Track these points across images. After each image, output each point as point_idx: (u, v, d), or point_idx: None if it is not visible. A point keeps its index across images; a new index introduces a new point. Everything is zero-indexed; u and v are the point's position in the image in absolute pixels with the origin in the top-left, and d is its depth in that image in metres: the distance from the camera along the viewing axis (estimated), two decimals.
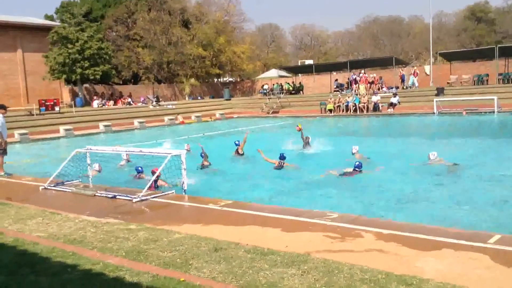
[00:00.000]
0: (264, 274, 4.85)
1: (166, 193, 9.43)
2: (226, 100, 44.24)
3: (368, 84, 36.86)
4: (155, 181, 10.00)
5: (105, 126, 29.98)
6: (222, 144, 18.64)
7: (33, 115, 30.40)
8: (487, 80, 34.20)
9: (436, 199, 9.27)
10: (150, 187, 9.50)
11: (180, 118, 34.90)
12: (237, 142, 15.26)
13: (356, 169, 11.49)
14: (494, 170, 11.79)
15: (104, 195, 9.45)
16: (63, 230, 7.01)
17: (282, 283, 4.59)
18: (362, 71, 39.14)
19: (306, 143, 15.50)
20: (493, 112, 26.75)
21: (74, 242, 6.34)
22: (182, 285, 4.61)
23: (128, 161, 14.26)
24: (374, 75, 38.13)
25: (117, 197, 9.21)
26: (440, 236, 5.90)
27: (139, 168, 12.09)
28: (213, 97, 47.02)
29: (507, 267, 4.83)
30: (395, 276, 4.62)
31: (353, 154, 13.71)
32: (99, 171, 12.75)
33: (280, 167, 12.48)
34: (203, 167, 13.09)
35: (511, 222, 7.53)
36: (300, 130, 15.89)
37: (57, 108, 31.69)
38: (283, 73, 51.51)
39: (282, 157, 12.60)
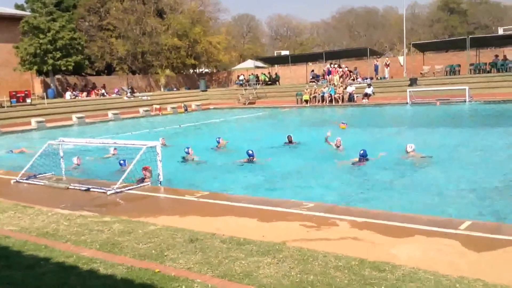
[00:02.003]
0: (240, 263, 4.87)
1: (142, 185, 9.36)
2: (202, 91, 43.94)
3: (338, 77, 36.88)
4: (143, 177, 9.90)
5: (78, 118, 29.47)
6: (200, 136, 18.57)
7: (3, 107, 29.63)
8: (459, 71, 34.81)
9: (409, 188, 9.44)
10: (136, 182, 9.42)
11: (156, 106, 34.77)
12: (218, 140, 15.20)
13: (362, 157, 11.67)
14: (465, 159, 12.07)
15: (78, 188, 9.32)
16: (36, 223, 6.89)
17: (257, 272, 4.62)
18: (329, 64, 39.15)
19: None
20: (465, 101, 27.30)
21: (46, 236, 6.24)
22: (157, 276, 4.59)
23: (114, 154, 14.04)
24: (344, 68, 38.00)
25: (91, 189, 9.10)
26: (413, 223, 6.02)
27: (121, 162, 11.88)
28: (189, 88, 46.62)
29: (477, 252, 4.97)
30: (369, 262, 4.70)
31: (337, 147, 13.72)
32: (78, 164, 12.57)
33: (250, 162, 12.51)
34: (185, 160, 12.97)
35: (481, 208, 7.73)
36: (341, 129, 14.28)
37: (28, 100, 30.96)
38: (259, 64, 51.38)
39: (249, 155, 12.58)
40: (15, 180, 10.40)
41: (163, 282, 4.44)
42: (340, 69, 37.58)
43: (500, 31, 39.00)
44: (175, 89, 45.52)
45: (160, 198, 8.59)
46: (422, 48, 39.85)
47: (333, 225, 6.16)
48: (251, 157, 12.51)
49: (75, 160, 12.65)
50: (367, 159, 11.69)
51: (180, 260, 5.07)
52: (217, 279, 4.50)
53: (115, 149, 13.91)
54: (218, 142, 15.17)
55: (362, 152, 11.74)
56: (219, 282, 4.41)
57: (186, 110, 35.85)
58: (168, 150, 14.09)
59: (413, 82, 32.22)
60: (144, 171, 9.87)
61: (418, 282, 4.22)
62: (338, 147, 13.66)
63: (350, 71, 38.13)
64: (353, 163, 11.67)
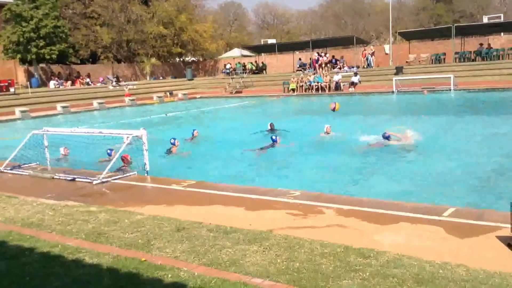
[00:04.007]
0: (226, 251, 4.89)
1: (128, 174, 9.31)
2: (189, 80, 43.68)
3: (318, 66, 36.78)
4: (121, 166, 9.84)
5: (63, 107, 29.12)
6: (185, 127, 18.47)
7: None
8: (444, 59, 35.07)
9: (394, 175, 9.53)
10: (115, 171, 9.36)
11: (126, 90, 35.03)
12: (192, 131, 15.06)
13: (386, 139, 12.20)
14: (450, 146, 12.20)
15: (63, 178, 9.25)
16: (20, 213, 6.83)
17: (244, 260, 4.64)
18: (316, 53, 39.05)
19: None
20: (450, 90, 27.52)
21: (31, 226, 6.19)
22: (143, 265, 4.60)
23: (129, 144, 13.69)
24: (324, 57, 37.75)
25: (77, 179, 9.04)
26: (398, 210, 6.09)
27: (108, 151, 11.69)
28: (175, 77, 46.29)
29: (460, 238, 5.05)
30: (354, 249, 4.76)
31: (326, 133, 13.82)
32: (65, 155, 12.41)
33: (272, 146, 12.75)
34: (169, 153, 12.85)
35: (464, 195, 7.84)
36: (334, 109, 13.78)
37: (12, 89, 30.49)
38: (246, 52, 51.09)
39: (273, 140, 12.89)
40: None
41: (150, 271, 4.44)
42: (320, 58, 37.56)
43: (485, 20, 39.34)
44: (161, 78, 45.18)
45: (147, 188, 8.56)
46: (408, 36, 40.02)
47: (319, 213, 6.21)
48: (274, 143, 12.74)
49: (62, 150, 12.50)
50: (389, 141, 12.18)
51: (167, 249, 5.08)
52: (204, 267, 4.52)
53: (128, 137, 13.54)
54: (192, 134, 14.96)
55: (387, 135, 12.22)
56: (206, 270, 4.43)
57: (171, 94, 35.84)
58: (152, 139, 13.99)
59: (399, 70, 32.37)
60: (123, 160, 9.86)
61: (402, 268, 4.28)
62: (327, 133, 13.85)
63: (337, 60, 38.16)
64: (369, 144, 12.15)
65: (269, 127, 15.25)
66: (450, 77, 27.84)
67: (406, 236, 5.19)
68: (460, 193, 7.96)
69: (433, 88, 28.35)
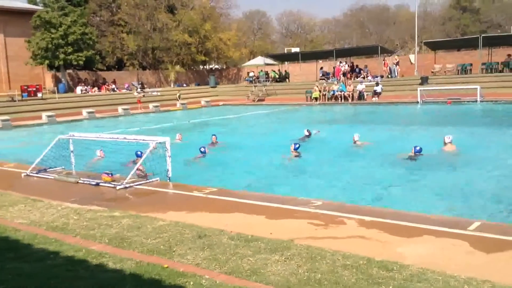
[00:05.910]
0: (247, 260, 4.88)
1: (151, 180, 9.40)
2: (212, 87, 44.00)
3: (342, 76, 36.48)
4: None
5: (89, 112, 29.63)
6: (206, 133, 18.57)
7: (15, 101, 29.92)
8: (470, 70, 34.49)
9: (419, 187, 9.39)
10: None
11: (137, 96, 35.26)
12: (213, 137, 15.10)
13: (417, 153, 11.90)
14: (478, 158, 11.95)
15: (87, 182, 9.39)
16: (46, 217, 6.96)
17: (265, 269, 4.62)
18: (338, 62, 38.81)
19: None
20: (476, 101, 27.02)
21: (56, 229, 6.30)
22: (166, 272, 4.62)
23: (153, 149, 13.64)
24: (345, 65, 37.25)
25: (101, 184, 9.16)
26: (422, 223, 5.99)
27: (139, 153, 11.22)
28: (198, 84, 46.70)
29: (486, 253, 4.94)
30: (376, 261, 4.69)
31: (354, 142, 13.79)
32: (102, 157, 12.60)
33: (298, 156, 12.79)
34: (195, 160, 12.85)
35: (491, 209, 7.67)
36: None
37: (39, 94, 31.22)
38: (269, 60, 51.14)
39: (295, 149, 12.88)
40: (25, 174, 10.49)
41: (172, 278, 4.47)
42: (344, 68, 37.33)
43: None
44: (185, 85, 45.63)
45: (169, 194, 8.63)
46: (434, 46, 39.49)
47: (341, 223, 6.16)
48: (296, 151, 12.76)
49: (98, 152, 12.73)
50: (421, 154, 11.90)
51: (188, 256, 5.10)
52: (225, 276, 4.52)
53: (152, 143, 13.54)
54: (212, 140, 14.92)
55: (418, 148, 11.95)
56: (227, 279, 4.43)
57: (179, 98, 36.79)
58: (181, 145, 14.12)
59: (424, 80, 31.98)
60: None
61: (426, 282, 4.20)
62: (355, 143, 13.88)
63: (361, 69, 37.91)
64: (410, 157, 11.89)
65: (307, 133, 15.23)
66: (476, 88, 27.35)
67: (430, 250, 5.10)
68: (487, 207, 7.79)
69: (459, 99, 27.88)
